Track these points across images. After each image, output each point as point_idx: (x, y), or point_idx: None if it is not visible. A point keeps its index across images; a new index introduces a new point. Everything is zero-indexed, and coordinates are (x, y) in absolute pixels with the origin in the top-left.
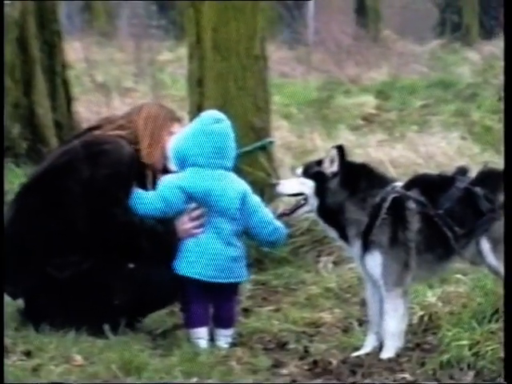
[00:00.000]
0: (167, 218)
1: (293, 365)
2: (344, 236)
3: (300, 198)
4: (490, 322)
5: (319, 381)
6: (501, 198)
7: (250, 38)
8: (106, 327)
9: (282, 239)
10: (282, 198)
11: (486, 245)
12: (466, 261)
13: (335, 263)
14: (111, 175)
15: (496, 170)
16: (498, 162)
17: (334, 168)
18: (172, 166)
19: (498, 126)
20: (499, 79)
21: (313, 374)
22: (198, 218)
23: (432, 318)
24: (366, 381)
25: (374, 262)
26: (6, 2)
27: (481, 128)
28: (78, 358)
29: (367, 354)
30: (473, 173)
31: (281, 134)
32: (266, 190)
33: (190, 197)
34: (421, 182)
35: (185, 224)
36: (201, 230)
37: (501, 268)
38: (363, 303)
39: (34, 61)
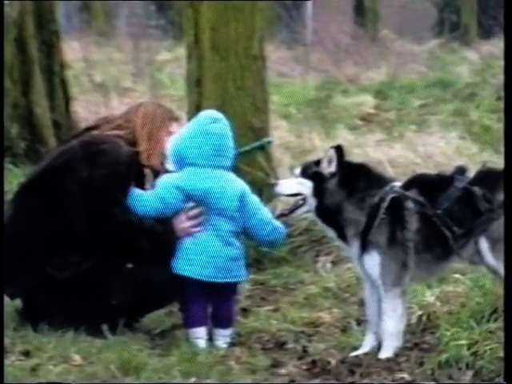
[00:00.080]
0: (165, 218)
1: (291, 364)
2: (342, 236)
3: (298, 198)
4: (488, 321)
5: (318, 380)
6: (499, 197)
7: (249, 38)
8: (105, 327)
9: (280, 239)
10: (281, 198)
11: (484, 244)
12: (464, 260)
13: (334, 263)
14: (109, 175)
15: (495, 169)
16: (496, 161)
17: (332, 168)
18: (170, 165)
19: (497, 126)
20: (498, 79)
21: (311, 373)
22: (195, 216)
23: (430, 318)
24: (365, 380)
25: (373, 261)
26: (5, 2)
27: (479, 127)
28: (77, 358)
29: (366, 354)
30: (471, 172)
31: (279, 133)
32: (264, 189)
33: (188, 197)
34: (419, 182)
35: (183, 223)
36: (199, 228)
37: (499, 268)
38: (362, 303)
39: (32, 61)
